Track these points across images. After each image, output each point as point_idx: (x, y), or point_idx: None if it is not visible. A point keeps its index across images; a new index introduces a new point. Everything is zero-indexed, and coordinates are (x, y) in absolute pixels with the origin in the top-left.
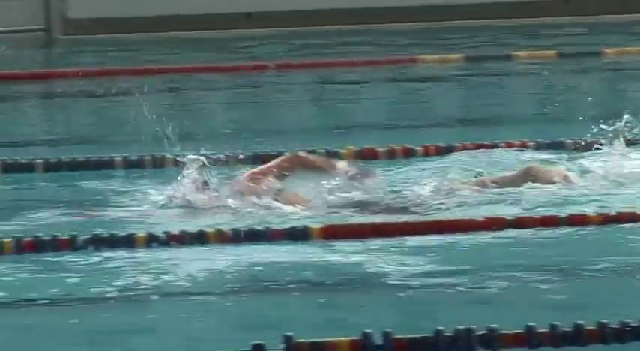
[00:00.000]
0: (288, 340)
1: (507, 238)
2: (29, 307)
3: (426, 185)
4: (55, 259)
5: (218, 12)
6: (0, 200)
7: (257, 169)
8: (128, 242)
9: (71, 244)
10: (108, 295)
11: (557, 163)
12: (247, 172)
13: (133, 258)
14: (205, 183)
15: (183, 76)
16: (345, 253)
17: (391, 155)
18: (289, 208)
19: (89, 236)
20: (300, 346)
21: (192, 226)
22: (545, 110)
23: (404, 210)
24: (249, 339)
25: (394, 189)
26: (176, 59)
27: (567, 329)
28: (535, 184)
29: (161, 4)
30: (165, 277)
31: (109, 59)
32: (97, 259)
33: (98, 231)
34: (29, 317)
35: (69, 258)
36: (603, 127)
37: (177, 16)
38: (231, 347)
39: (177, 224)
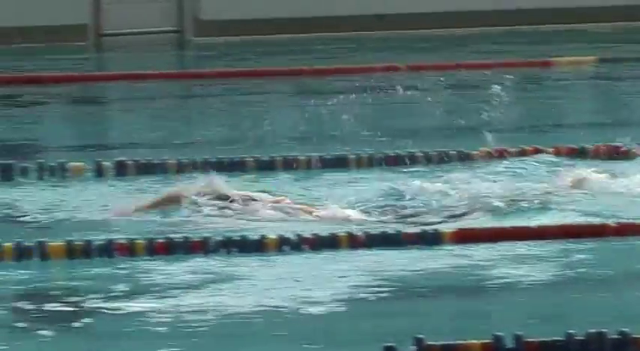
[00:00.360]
0: (419, 342)
1: (633, 244)
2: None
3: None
4: (187, 262)
5: (350, 14)
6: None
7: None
8: (259, 245)
9: (203, 247)
10: (239, 297)
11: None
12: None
13: (261, 261)
14: (225, 197)
15: (315, 78)
16: (475, 257)
17: (522, 155)
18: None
19: (221, 239)
20: (432, 348)
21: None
22: None
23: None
24: (381, 341)
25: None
26: (308, 61)
27: None
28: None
29: (293, 5)
30: (295, 282)
31: (240, 61)
32: (226, 261)
33: (230, 234)
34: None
35: (200, 260)
36: None
37: (308, 18)
38: (361, 349)
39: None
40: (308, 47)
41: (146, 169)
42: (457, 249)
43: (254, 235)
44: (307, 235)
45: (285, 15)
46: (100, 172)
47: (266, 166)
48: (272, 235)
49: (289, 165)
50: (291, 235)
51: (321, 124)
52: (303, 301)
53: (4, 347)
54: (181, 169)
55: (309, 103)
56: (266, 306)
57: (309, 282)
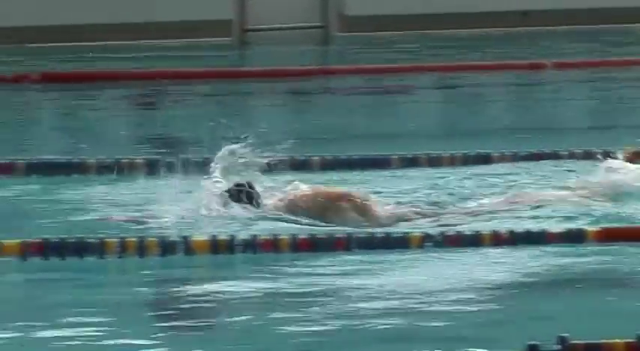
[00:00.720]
0: (563, 341)
1: None
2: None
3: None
4: (331, 258)
5: (494, 10)
6: None
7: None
8: (402, 242)
9: (345, 243)
10: (380, 294)
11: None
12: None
13: (403, 258)
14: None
15: (457, 74)
16: (618, 255)
17: None
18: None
19: (364, 235)
20: (575, 347)
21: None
22: None
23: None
24: (524, 339)
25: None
26: (450, 57)
27: None
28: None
29: (438, 2)
30: (437, 279)
31: (384, 57)
32: (368, 257)
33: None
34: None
35: (343, 257)
36: None
37: (453, 14)
38: (504, 347)
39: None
40: (453, 43)
41: (294, 165)
42: (600, 247)
43: (397, 232)
44: (450, 232)
45: (430, 11)
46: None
47: (409, 163)
48: (415, 232)
49: (433, 162)
50: (434, 232)
51: (464, 121)
52: (445, 299)
53: (149, 342)
54: (325, 165)
55: (451, 99)
56: (408, 303)
57: (452, 279)
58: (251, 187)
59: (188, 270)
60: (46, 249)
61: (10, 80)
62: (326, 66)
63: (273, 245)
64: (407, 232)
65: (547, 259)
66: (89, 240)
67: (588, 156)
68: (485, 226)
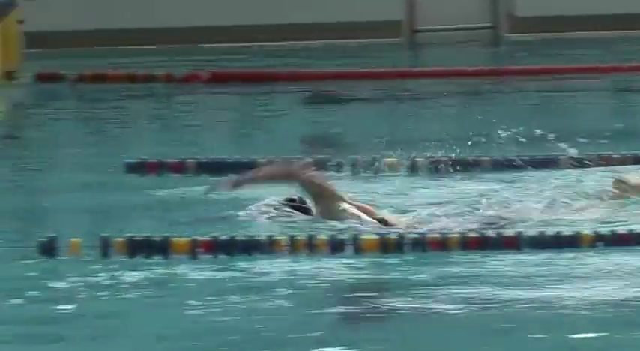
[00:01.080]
0: None
1: None
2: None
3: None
4: (499, 256)
5: None
6: (422, 198)
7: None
8: (573, 241)
9: (515, 242)
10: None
11: None
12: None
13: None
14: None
15: (623, 75)
16: None
17: None
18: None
19: (533, 234)
20: None
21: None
22: None
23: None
24: None
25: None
26: (622, 58)
27: None
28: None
29: (613, 2)
30: (613, 276)
31: (553, 58)
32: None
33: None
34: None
35: (512, 256)
36: None
37: (619, 15)
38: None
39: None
40: (623, 44)
41: (457, 166)
42: None
43: (568, 231)
44: (622, 231)
45: (603, 12)
46: (414, 169)
47: (579, 164)
48: (587, 231)
49: (603, 162)
50: (606, 232)
51: (634, 121)
52: (615, 295)
53: (331, 336)
54: (495, 165)
55: (621, 99)
56: (578, 298)
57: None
58: (302, 202)
59: (356, 269)
60: (216, 247)
61: (181, 80)
62: (496, 67)
63: (442, 244)
64: (578, 231)
65: None
66: (259, 238)
67: None
68: None
